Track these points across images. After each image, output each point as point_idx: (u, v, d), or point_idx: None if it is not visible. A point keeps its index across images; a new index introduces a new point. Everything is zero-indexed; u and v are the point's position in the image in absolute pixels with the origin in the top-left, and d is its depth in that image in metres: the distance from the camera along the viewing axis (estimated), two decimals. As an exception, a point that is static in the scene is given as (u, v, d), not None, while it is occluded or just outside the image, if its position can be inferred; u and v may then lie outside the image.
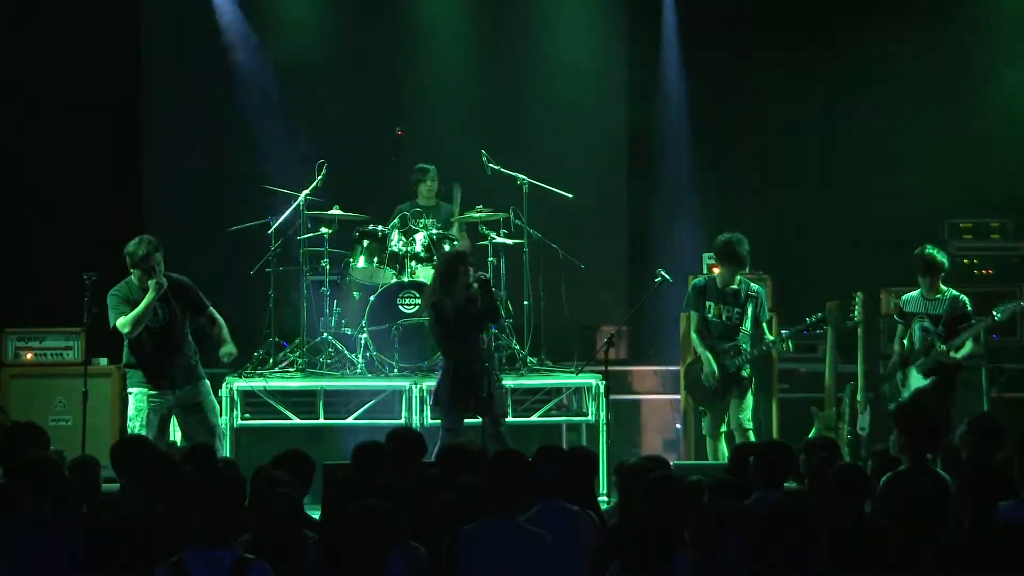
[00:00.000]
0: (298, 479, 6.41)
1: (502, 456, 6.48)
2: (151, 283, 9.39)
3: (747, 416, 10.38)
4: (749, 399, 10.44)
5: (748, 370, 10.44)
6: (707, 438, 10.55)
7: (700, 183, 13.25)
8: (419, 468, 7.21)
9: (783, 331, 10.81)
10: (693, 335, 10.55)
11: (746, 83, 13.35)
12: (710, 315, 10.46)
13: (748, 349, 10.38)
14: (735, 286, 10.44)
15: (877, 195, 12.95)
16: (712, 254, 10.93)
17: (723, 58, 13.32)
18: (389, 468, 6.79)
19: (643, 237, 13.52)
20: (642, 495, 5.73)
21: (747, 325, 10.39)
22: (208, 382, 9.81)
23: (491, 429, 9.57)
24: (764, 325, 10.47)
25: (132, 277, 9.51)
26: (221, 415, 10.30)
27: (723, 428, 10.45)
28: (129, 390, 9.64)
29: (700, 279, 10.69)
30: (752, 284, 10.54)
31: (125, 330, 9.43)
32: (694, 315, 10.57)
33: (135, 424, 9.52)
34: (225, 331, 9.81)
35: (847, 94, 13.36)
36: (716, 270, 10.63)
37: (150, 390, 9.53)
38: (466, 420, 9.69)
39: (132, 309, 9.40)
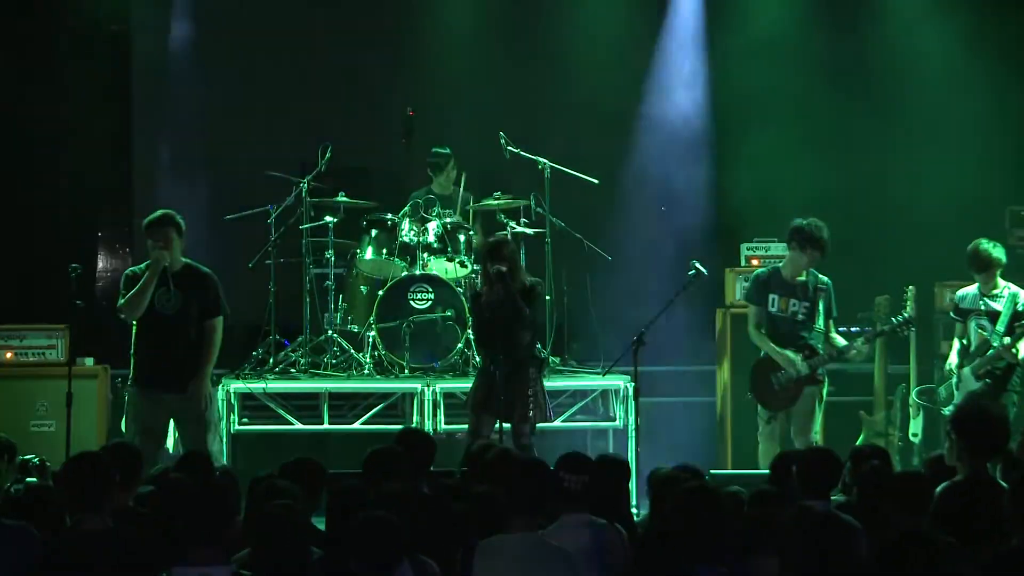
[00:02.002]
0: (306, 490, 6.35)
1: (521, 465, 6.44)
2: (152, 255, 9.23)
3: (816, 429, 10.11)
4: (819, 410, 10.11)
5: (823, 374, 10.10)
6: (760, 442, 10.27)
7: (735, 170, 13.16)
8: (431, 476, 7.19)
9: (854, 329, 10.58)
10: (752, 331, 10.25)
11: (781, 65, 13.27)
12: (773, 309, 10.14)
13: (823, 350, 10.08)
14: (803, 278, 10.15)
15: (932, 180, 12.86)
16: (785, 241, 10.43)
17: (756, 38, 13.28)
18: (402, 476, 6.75)
19: (675, 226, 13.44)
20: (674, 507, 5.69)
21: (820, 323, 10.10)
22: (215, 392, 9.73)
23: (515, 436, 9.50)
24: (832, 323, 10.16)
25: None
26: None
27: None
28: (130, 387, 9.57)
29: (763, 269, 10.44)
30: (820, 276, 10.20)
31: (121, 310, 9.29)
32: (754, 309, 10.27)
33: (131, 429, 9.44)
34: (209, 365, 9.41)
35: (897, 77, 13.29)
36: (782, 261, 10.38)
37: (136, 389, 9.39)
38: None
39: None
